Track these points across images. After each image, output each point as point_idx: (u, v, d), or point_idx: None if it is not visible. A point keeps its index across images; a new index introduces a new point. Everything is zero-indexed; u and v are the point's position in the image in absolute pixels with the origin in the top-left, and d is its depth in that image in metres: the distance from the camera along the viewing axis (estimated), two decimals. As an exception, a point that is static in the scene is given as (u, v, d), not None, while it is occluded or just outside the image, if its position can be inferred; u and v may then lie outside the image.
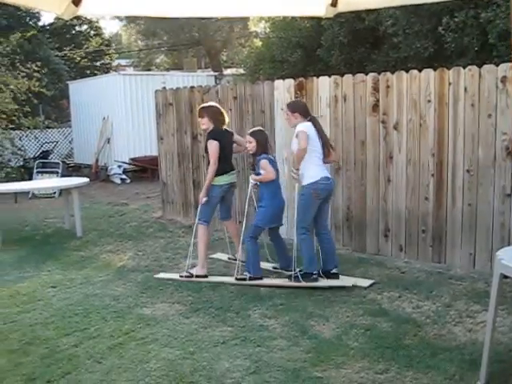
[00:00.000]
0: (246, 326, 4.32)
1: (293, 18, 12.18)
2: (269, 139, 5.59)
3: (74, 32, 25.43)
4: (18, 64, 13.75)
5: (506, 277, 3.12)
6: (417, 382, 3.39)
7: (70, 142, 16.27)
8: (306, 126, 5.12)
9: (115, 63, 29.25)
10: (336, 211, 6.40)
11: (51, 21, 24.86)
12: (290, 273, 5.32)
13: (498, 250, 3.46)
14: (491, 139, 5.20)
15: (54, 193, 11.29)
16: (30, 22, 21.75)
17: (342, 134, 6.24)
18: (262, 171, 5.33)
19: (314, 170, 5.11)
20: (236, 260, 5.72)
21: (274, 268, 5.70)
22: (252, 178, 5.43)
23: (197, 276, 5.51)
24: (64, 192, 8.49)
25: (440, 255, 5.66)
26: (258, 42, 16.73)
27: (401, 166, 5.81)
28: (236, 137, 5.82)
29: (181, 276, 5.57)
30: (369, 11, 10.01)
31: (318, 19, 11.14)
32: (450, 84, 5.38)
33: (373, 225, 6.12)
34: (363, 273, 5.50)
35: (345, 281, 5.23)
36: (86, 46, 25.21)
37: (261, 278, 5.34)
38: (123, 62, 31.91)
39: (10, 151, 13.02)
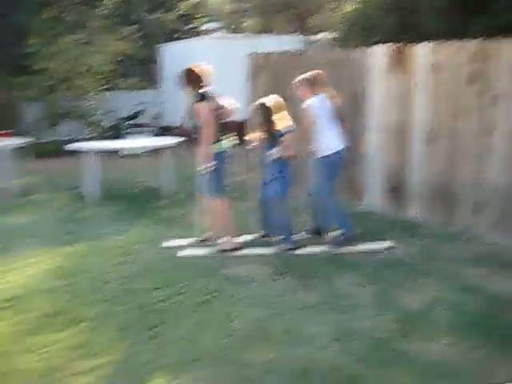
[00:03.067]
0: (332, 293, 4.32)
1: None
2: None
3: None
4: (114, 26, 14.12)
5: None
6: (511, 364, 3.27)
7: (160, 103, 16.63)
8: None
9: (203, 27, 29.39)
10: (425, 184, 6.20)
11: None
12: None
13: None
14: None
15: (146, 152, 11.58)
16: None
17: (437, 103, 6.00)
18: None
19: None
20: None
21: (263, 236, 5.65)
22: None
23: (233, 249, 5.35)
24: (156, 152, 8.68)
25: (537, 234, 5.37)
26: (350, 7, 16.26)
27: (499, 138, 5.51)
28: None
29: (223, 250, 5.35)
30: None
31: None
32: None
33: (464, 198, 5.87)
34: (453, 249, 5.33)
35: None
36: (176, 9, 25.45)
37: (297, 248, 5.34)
38: (211, 25, 31.99)
39: (103, 111, 13.44)
